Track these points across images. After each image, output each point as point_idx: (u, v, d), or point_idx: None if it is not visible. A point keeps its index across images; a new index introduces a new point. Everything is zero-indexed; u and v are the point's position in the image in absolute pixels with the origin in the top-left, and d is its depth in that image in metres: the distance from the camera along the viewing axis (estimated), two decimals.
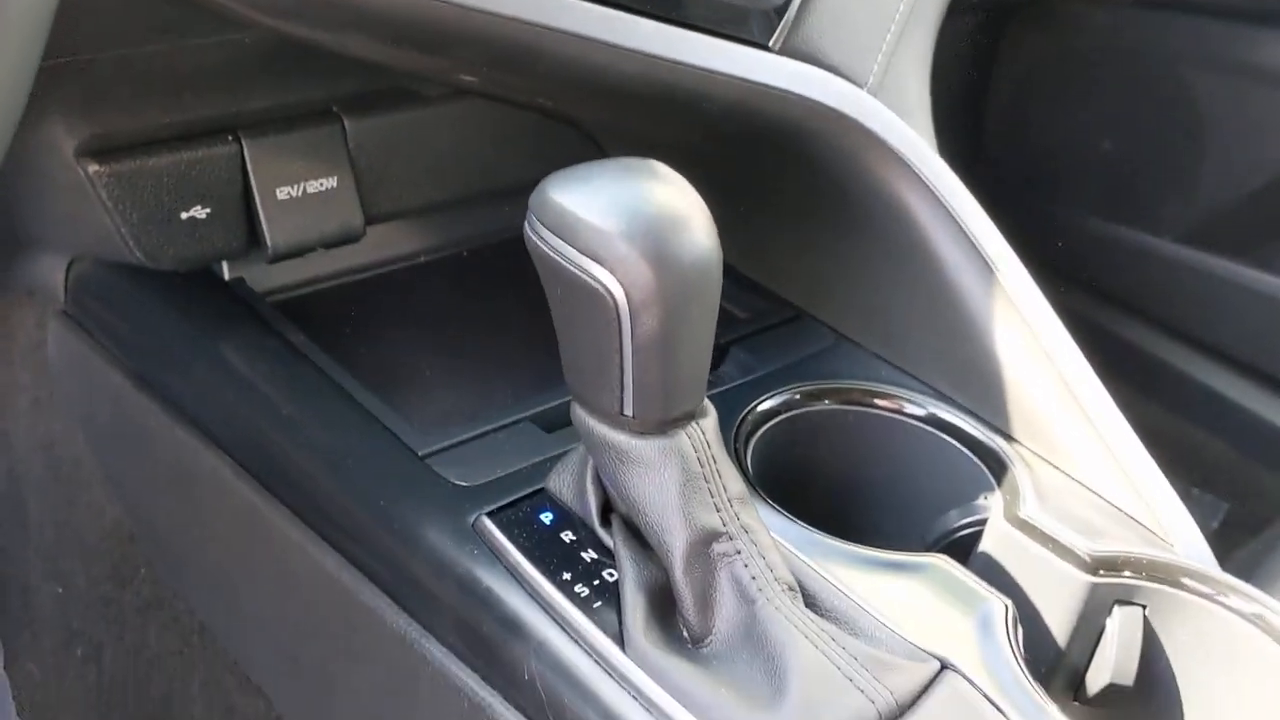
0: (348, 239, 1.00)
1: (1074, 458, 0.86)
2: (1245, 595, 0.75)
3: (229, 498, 0.91)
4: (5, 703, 1.35)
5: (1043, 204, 1.90)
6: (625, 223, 0.62)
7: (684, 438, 0.68)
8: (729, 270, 1.08)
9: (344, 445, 0.84)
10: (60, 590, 1.25)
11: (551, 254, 0.63)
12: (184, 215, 0.93)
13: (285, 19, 0.75)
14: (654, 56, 0.80)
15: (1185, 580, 0.76)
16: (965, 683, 0.66)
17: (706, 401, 0.71)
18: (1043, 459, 0.87)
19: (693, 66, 0.81)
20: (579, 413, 0.70)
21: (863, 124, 0.89)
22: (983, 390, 0.90)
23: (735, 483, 0.70)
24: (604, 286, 0.62)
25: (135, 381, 0.98)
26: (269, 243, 0.95)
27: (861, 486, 0.91)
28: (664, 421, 0.67)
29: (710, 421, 0.70)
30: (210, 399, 0.92)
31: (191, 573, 1.10)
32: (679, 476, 0.67)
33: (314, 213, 0.97)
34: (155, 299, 0.98)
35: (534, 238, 0.65)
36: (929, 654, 0.68)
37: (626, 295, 0.62)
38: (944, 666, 0.67)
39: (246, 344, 0.94)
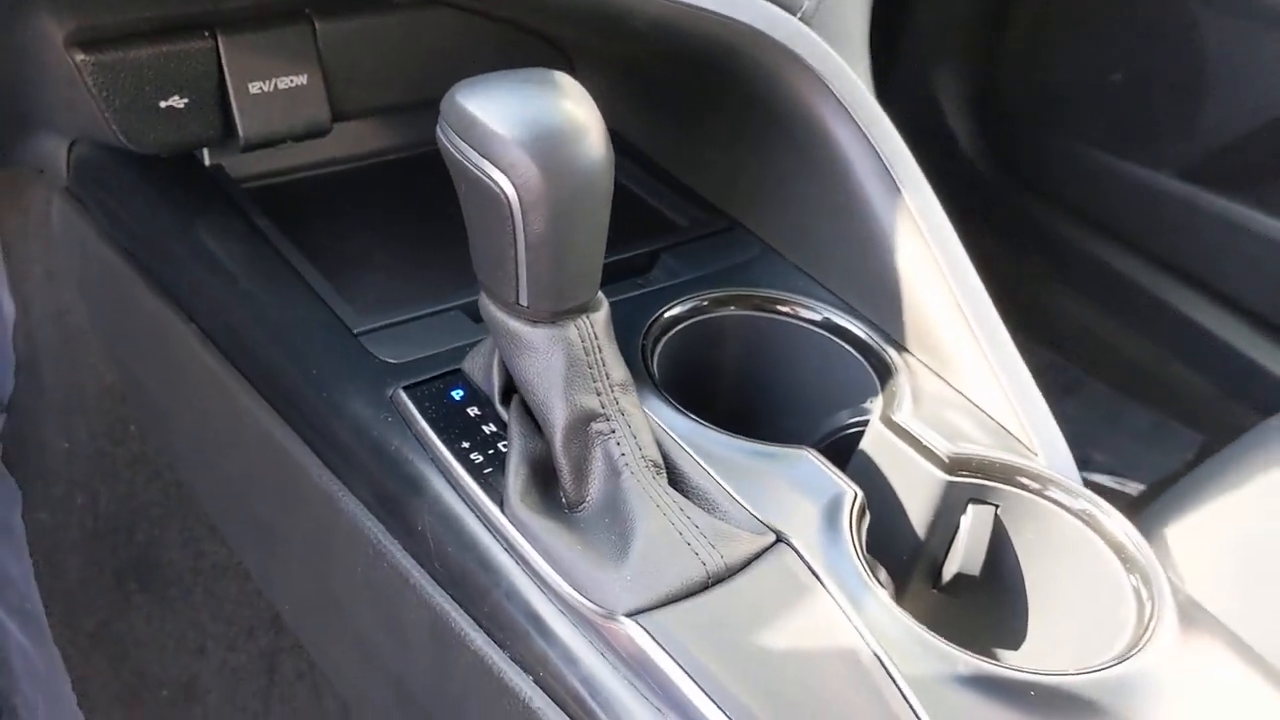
0: (316, 133, 1.06)
1: (957, 369, 0.92)
2: (1075, 494, 0.82)
3: (196, 363, 0.99)
4: (22, 546, 1.47)
5: (1052, 137, 1.92)
6: (520, 130, 0.68)
7: (572, 328, 0.75)
8: (673, 180, 1.14)
9: (288, 319, 0.91)
10: (67, 445, 1.36)
11: (456, 154, 0.70)
12: (163, 104, 1.00)
13: None
14: None
15: (1021, 479, 0.83)
16: (794, 555, 0.74)
17: (600, 296, 0.78)
18: (929, 369, 0.94)
19: None
20: (484, 300, 0.77)
21: (790, 49, 0.92)
22: (885, 303, 0.95)
23: (619, 370, 0.77)
24: (499, 187, 0.69)
25: (123, 255, 1.06)
26: (241, 133, 1.02)
27: (762, 387, 0.98)
28: (555, 312, 0.74)
29: (601, 315, 0.77)
30: (183, 273, 1.00)
31: (170, 431, 1.20)
32: (564, 362, 0.75)
33: (284, 107, 1.03)
34: (142, 180, 1.06)
35: (442, 138, 0.71)
36: (769, 528, 0.75)
37: (519, 196, 0.69)
38: (779, 540, 0.74)
39: (218, 225, 1.01)
